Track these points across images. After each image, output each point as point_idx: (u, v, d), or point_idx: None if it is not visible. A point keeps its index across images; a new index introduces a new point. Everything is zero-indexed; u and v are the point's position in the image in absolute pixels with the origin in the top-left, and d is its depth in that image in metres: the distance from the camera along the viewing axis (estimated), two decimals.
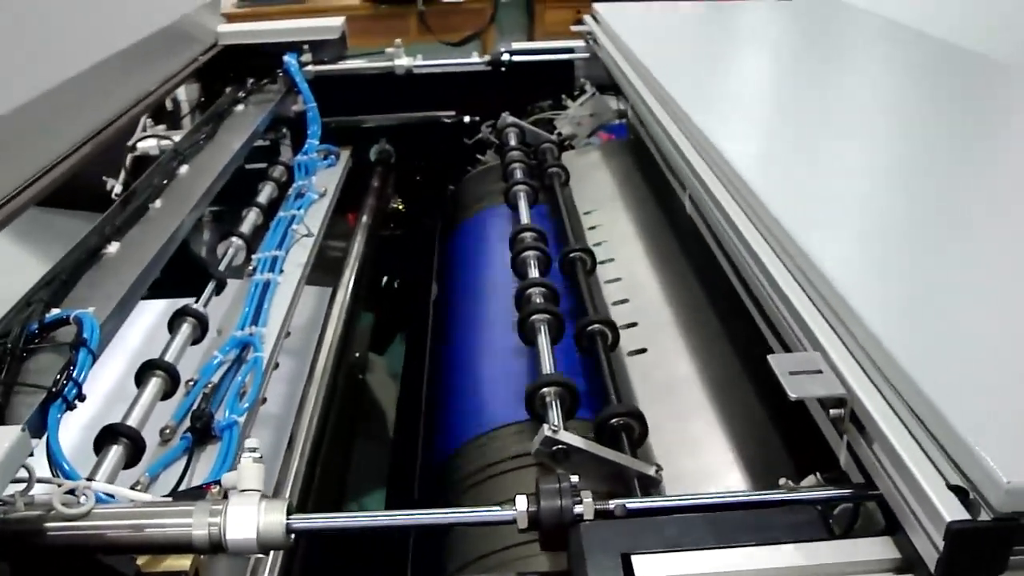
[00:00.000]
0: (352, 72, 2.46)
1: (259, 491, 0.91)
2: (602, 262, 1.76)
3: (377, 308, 2.53)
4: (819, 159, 1.39)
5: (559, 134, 2.34)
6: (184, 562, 0.96)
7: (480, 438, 1.39)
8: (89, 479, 1.06)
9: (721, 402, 1.36)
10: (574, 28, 2.46)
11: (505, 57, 2.44)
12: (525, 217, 1.80)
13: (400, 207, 2.56)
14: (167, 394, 1.35)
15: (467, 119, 2.50)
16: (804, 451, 1.12)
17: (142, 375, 1.34)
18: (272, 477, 1.36)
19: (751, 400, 1.34)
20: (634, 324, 1.58)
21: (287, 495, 1.32)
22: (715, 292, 1.58)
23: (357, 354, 1.90)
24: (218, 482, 1.03)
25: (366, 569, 1.26)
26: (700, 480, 1.22)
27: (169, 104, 2.32)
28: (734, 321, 1.46)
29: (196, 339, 1.50)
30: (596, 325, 1.43)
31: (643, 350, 1.51)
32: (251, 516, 0.88)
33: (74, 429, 1.30)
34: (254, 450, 0.95)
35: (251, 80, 2.32)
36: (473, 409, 1.46)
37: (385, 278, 2.61)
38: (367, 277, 2.05)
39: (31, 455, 0.91)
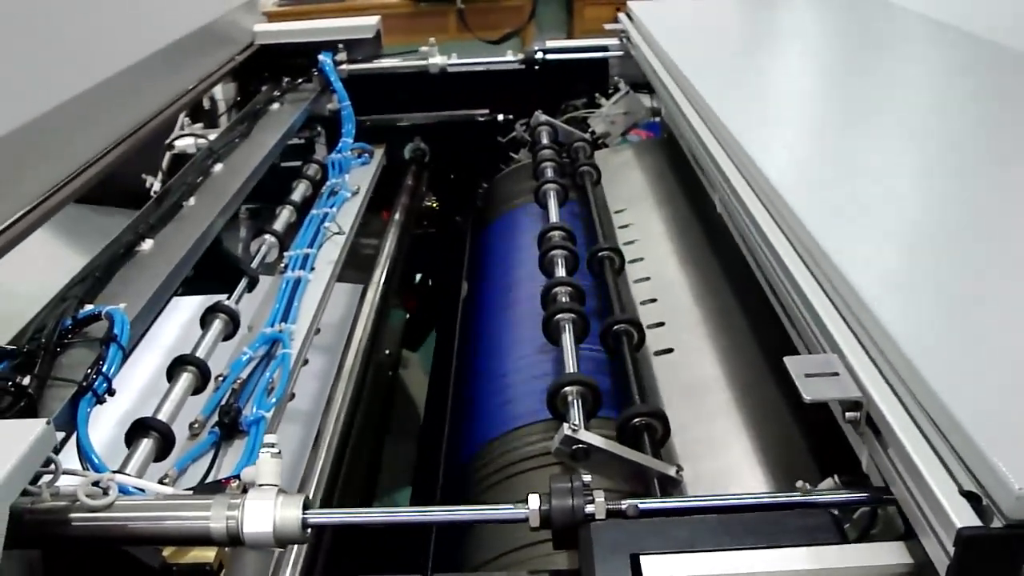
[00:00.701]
0: (386, 71, 2.48)
1: (276, 486, 0.92)
2: (632, 261, 1.76)
3: (411, 305, 2.55)
4: (848, 162, 1.37)
5: (592, 132, 2.34)
6: (208, 554, 0.98)
7: (504, 437, 1.40)
8: (119, 472, 1.09)
9: (746, 403, 1.35)
10: (608, 27, 2.46)
11: (539, 56, 2.45)
12: (554, 216, 1.81)
13: (434, 205, 2.57)
14: (198, 389, 1.37)
15: (501, 117, 2.51)
16: (829, 454, 1.11)
17: (173, 370, 1.37)
18: (299, 472, 1.38)
19: (777, 402, 1.33)
20: (661, 324, 1.58)
21: (312, 490, 1.34)
22: (744, 292, 1.57)
23: (388, 351, 1.92)
24: (238, 476, 1.04)
25: (388, 566, 1.27)
26: (722, 482, 1.21)
27: (207, 103, 2.36)
28: (762, 322, 1.45)
29: (228, 335, 1.53)
30: (622, 325, 1.43)
31: (670, 350, 1.51)
32: (268, 510, 0.89)
33: (110, 422, 1.33)
34: (272, 445, 0.96)
35: (286, 79, 2.35)
36: (498, 408, 1.47)
37: (419, 275, 2.63)
38: (399, 275, 2.07)
39: (56, 449, 0.93)
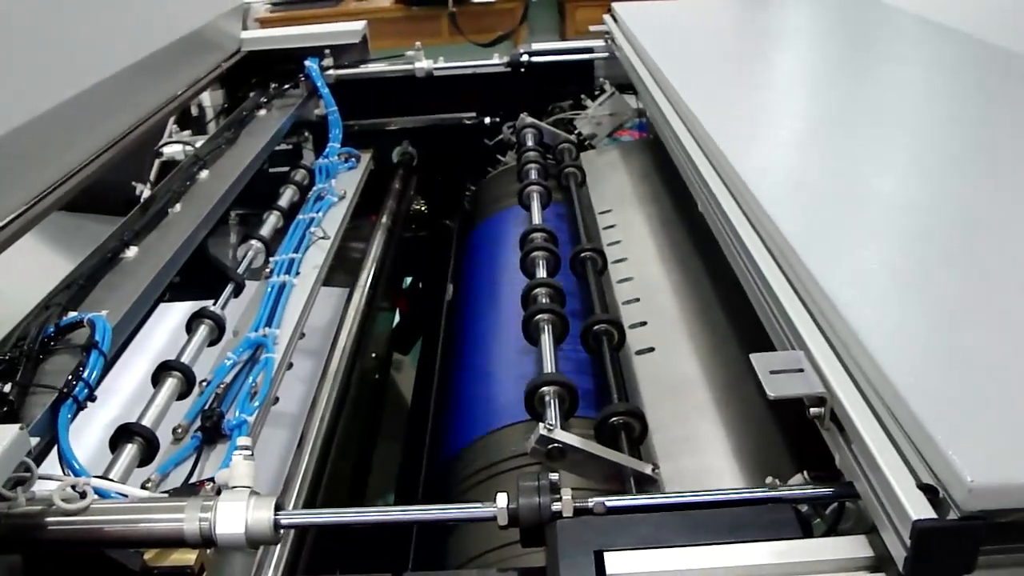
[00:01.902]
0: (373, 75, 2.49)
1: (249, 487, 0.94)
2: (616, 261, 1.76)
3: (402, 308, 2.56)
4: (822, 163, 1.38)
5: (579, 134, 2.35)
6: (189, 556, 0.99)
7: (486, 437, 1.41)
8: (101, 476, 1.10)
9: (727, 402, 1.36)
10: (593, 28, 2.47)
11: (524, 58, 2.46)
12: (537, 218, 1.82)
13: (423, 208, 2.58)
14: (183, 394, 1.39)
15: (488, 120, 2.52)
16: (808, 451, 1.12)
17: (158, 376, 1.38)
18: (283, 474, 1.39)
19: (757, 400, 1.34)
20: (644, 323, 1.58)
21: (296, 492, 1.35)
22: (727, 291, 1.58)
23: (374, 354, 1.93)
24: (212, 479, 1.06)
25: (372, 566, 1.29)
26: (701, 479, 1.22)
27: (195, 110, 2.37)
28: (744, 321, 1.45)
29: (213, 340, 1.54)
30: (602, 325, 1.44)
31: (651, 349, 1.52)
32: (240, 512, 0.91)
33: (99, 428, 1.35)
34: (246, 448, 0.98)
35: (273, 85, 2.36)
36: (480, 409, 1.48)
37: (409, 279, 2.64)
38: (385, 278, 2.08)
39: (31, 453, 0.94)
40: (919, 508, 0.75)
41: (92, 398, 1.18)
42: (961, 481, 0.72)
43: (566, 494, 0.90)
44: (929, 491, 0.76)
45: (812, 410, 0.92)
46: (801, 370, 0.93)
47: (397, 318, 2.57)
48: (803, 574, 0.81)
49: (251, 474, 0.95)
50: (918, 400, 0.80)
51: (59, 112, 1.56)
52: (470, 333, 1.74)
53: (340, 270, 2.02)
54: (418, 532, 1.42)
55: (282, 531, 0.92)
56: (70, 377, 1.16)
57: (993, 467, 0.73)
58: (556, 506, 0.90)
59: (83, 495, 0.95)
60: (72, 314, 1.30)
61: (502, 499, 0.91)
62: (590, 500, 0.90)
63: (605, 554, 0.82)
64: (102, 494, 1.00)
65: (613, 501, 0.91)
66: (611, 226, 1.95)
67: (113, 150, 1.75)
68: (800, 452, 1.22)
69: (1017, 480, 0.72)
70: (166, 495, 1.08)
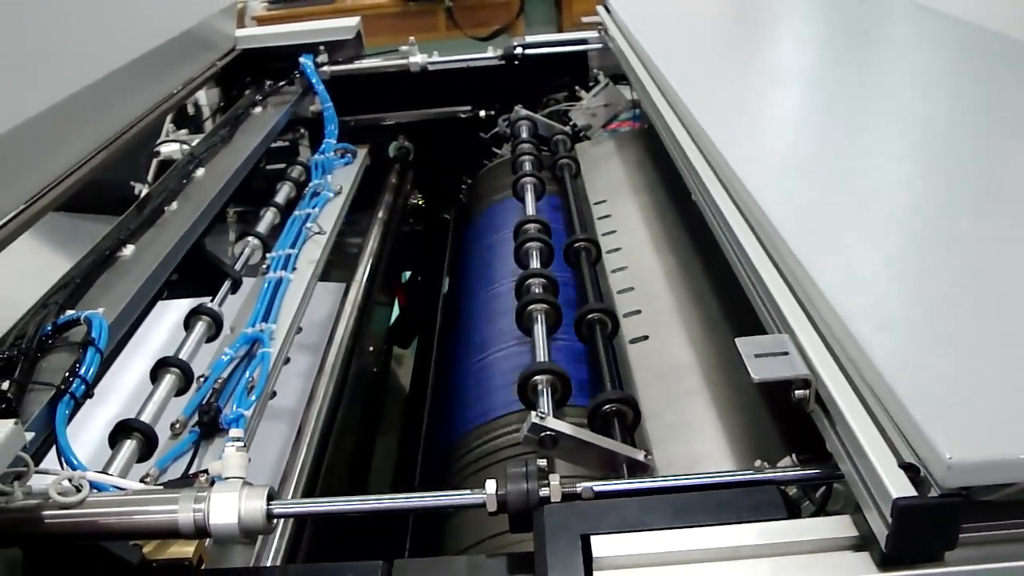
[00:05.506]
0: (368, 71, 2.50)
1: (241, 478, 0.95)
2: (610, 251, 1.77)
3: (402, 303, 2.58)
4: (814, 152, 1.39)
5: (574, 125, 2.35)
6: (188, 549, 1.00)
7: (481, 427, 1.42)
8: (98, 471, 1.11)
9: (720, 388, 1.37)
10: (586, 19, 2.48)
11: (518, 51, 2.46)
12: (531, 209, 1.83)
13: (420, 203, 2.59)
14: (181, 390, 1.40)
15: (483, 113, 2.53)
16: (802, 435, 1.13)
17: (157, 372, 1.39)
18: (281, 467, 1.41)
19: (751, 386, 1.34)
20: (638, 312, 1.59)
21: (294, 484, 1.36)
22: (721, 279, 1.59)
23: (371, 348, 1.94)
24: (206, 471, 1.07)
25: (368, 556, 1.30)
26: (694, 465, 1.23)
27: (191, 109, 2.38)
28: (738, 308, 1.46)
29: (211, 337, 1.55)
30: (595, 314, 1.45)
31: (645, 337, 1.53)
32: (233, 502, 0.92)
33: (100, 425, 1.36)
34: (238, 439, 0.99)
35: (268, 82, 2.37)
36: (475, 400, 1.49)
37: (408, 273, 2.65)
38: (382, 272, 2.09)
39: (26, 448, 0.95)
40: (900, 486, 0.76)
41: (90, 394, 1.20)
42: (940, 458, 0.73)
43: (554, 479, 0.91)
44: (910, 469, 0.77)
45: (797, 392, 0.92)
46: (786, 353, 0.94)
47: (397, 312, 2.58)
48: (787, 554, 0.81)
49: (244, 465, 0.97)
50: (899, 380, 0.81)
51: (53, 112, 1.57)
52: (465, 325, 1.75)
53: (338, 265, 2.03)
54: (415, 522, 1.43)
55: (275, 521, 0.93)
56: (67, 374, 1.17)
57: (972, 444, 0.74)
58: (544, 491, 0.91)
59: (79, 488, 0.96)
60: (69, 312, 1.31)
61: (491, 485, 0.92)
62: (578, 485, 0.91)
63: (592, 538, 0.83)
64: (99, 487, 1.01)
65: (601, 486, 0.92)
66: (606, 216, 1.96)
67: (109, 150, 1.76)
68: (794, 436, 1.22)
69: (996, 456, 0.73)
70: (162, 488, 1.09)
